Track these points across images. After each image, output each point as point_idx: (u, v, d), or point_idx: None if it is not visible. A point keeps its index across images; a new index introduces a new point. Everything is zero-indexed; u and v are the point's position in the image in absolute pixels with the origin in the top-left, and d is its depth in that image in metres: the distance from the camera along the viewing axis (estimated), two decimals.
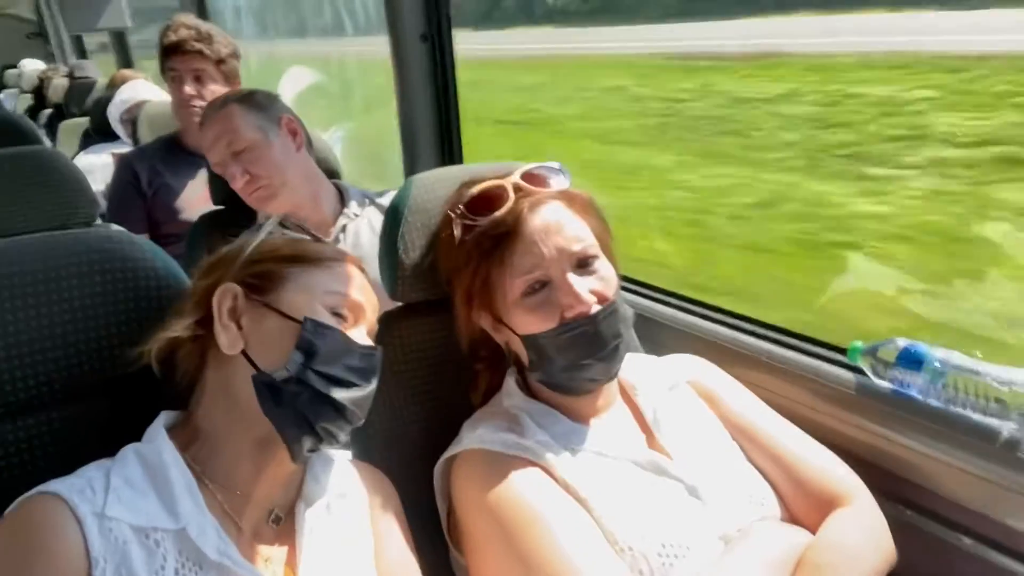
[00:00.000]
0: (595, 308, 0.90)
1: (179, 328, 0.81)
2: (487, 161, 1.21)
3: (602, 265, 0.94)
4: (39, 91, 4.95)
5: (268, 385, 0.77)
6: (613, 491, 0.89)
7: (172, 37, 2.01)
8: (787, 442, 1.00)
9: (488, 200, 0.95)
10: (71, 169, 1.64)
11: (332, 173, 1.76)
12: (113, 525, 0.70)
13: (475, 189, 0.96)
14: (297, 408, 0.77)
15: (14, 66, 6.49)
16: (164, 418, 0.81)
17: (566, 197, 0.96)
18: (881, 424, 1.08)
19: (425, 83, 1.86)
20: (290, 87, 3.57)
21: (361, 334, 0.84)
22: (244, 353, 0.79)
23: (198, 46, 2.02)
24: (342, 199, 1.62)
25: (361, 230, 1.57)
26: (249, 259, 0.83)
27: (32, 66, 5.89)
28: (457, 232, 0.96)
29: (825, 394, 1.15)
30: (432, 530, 0.97)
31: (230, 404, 0.80)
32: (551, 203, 0.94)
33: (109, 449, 0.78)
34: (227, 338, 0.79)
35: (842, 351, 1.17)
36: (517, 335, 0.94)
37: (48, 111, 4.48)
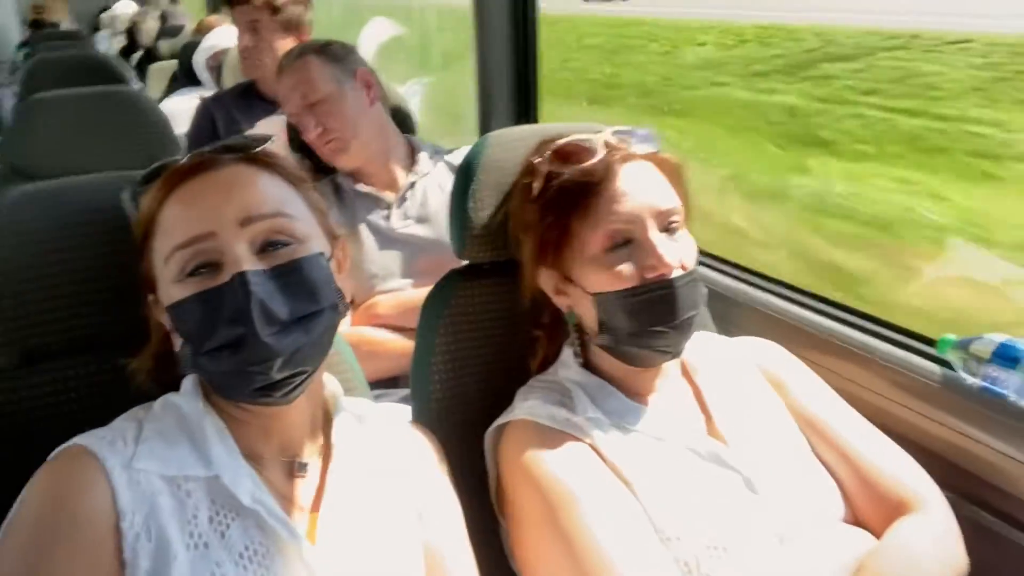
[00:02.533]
0: (676, 273, 0.87)
1: (156, 346, 0.79)
2: None
3: (684, 234, 0.91)
4: (131, 33, 5.10)
5: (200, 373, 0.74)
6: (664, 476, 0.86)
7: None
8: (858, 438, 0.94)
9: (576, 152, 0.91)
10: (156, 111, 1.69)
11: (407, 128, 1.76)
12: (142, 477, 0.69)
13: (563, 140, 0.94)
14: (227, 386, 0.73)
15: (109, 8, 6.71)
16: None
17: (657, 160, 0.93)
18: (967, 422, 1.02)
19: (505, 37, 1.81)
20: (371, 39, 3.57)
21: (229, 260, 0.70)
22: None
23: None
24: (413, 156, 1.61)
25: (429, 188, 1.56)
26: (141, 263, 0.77)
27: (124, 9, 6.07)
28: (538, 183, 0.93)
29: (908, 386, 1.09)
30: (485, 496, 0.96)
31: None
32: (642, 162, 0.91)
33: (160, 394, 0.79)
34: (177, 343, 0.75)
35: (930, 342, 1.11)
36: (588, 293, 0.90)
37: (139, 53, 4.61)
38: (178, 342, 0.74)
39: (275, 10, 2.04)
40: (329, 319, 0.75)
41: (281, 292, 0.70)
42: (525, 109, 1.87)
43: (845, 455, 0.93)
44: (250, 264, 0.70)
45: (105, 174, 0.87)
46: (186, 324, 0.71)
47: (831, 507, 0.89)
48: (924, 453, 0.97)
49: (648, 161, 0.92)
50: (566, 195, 0.90)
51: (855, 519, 0.90)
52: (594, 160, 0.89)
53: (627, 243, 0.88)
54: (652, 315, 0.87)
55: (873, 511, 0.89)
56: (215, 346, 0.69)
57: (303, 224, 0.75)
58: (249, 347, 0.68)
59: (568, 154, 0.92)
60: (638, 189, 0.88)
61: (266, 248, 0.72)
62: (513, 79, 1.85)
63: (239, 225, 0.71)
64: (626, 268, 0.87)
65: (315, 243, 0.76)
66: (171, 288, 0.72)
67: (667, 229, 0.89)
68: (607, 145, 0.91)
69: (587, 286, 0.90)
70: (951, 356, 1.04)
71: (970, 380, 1.02)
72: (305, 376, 0.74)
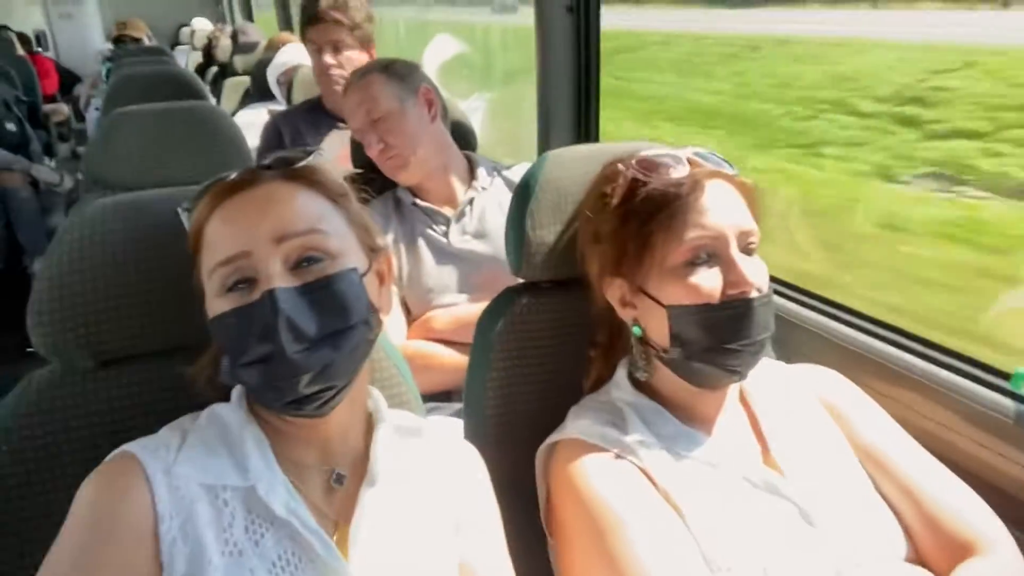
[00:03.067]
0: (755, 293, 0.86)
1: (215, 352, 0.80)
2: None
3: (758, 258, 0.90)
4: (208, 49, 5.31)
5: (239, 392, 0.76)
6: (716, 504, 0.84)
7: (310, 9, 2.08)
8: (923, 474, 0.91)
9: (661, 164, 0.91)
10: (232, 126, 1.75)
11: (467, 143, 1.78)
12: (181, 483, 0.71)
13: (648, 152, 0.94)
14: (262, 399, 0.76)
15: (188, 24, 7.01)
16: None
17: (737, 183, 0.93)
18: None
19: (567, 56, 1.82)
20: (435, 55, 3.63)
21: (263, 278, 0.72)
22: None
23: (335, 15, 2.07)
24: (472, 172, 1.63)
25: (487, 205, 1.58)
26: (194, 276, 0.79)
27: (201, 25, 6.34)
28: (620, 191, 0.93)
29: (979, 421, 1.04)
30: (534, 513, 0.96)
31: None
32: (724, 182, 0.91)
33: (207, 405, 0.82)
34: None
35: (1004, 375, 1.06)
36: (663, 305, 0.89)
37: (214, 69, 4.80)
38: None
39: (354, 27, 2.11)
40: (360, 335, 0.76)
41: (311, 309, 0.72)
42: (585, 128, 1.88)
43: (908, 491, 0.90)
44: (282, 281, 0.72)
45: (181, 188, 0.91)
46: (224, 337, 0.74)
47: (892, 545, 0.86)
48: (993, 491, 0.92)
49: (729, 182, 0.92)
50: (651, 204, 0.89)
51: (918, 559, 0.87)
52: (681, 174, 0.90)
53: (709, 258, 0.87)
54: (728, 332, 0.86)
55: (937, 551, 0.86)
56: (248, 360, 0.72)
57: (338, 240, 0.77)
58: (277, 363, 0.71)
59: (655, 165, 0.92)
60: (723, 206, 0.88)
61: (300, 264, 0.74)
62: (574, 98, 1.86)
63: (274, 243, 0.73)
64: (706, 283, 0.86)
65: (349, 259, 0.77)
66: (213, 302, 0.74)
67: (746, 250, 0.88)
68: (690, 162, 0.91)
69: (663, 298, 0.89)
70: None
71: None
72: (335, 391, 0.75)
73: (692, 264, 0.87)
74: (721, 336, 0.86)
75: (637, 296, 0.92)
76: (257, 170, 0.79)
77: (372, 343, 0.79)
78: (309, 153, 0.81)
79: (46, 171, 3.91)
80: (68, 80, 7.28)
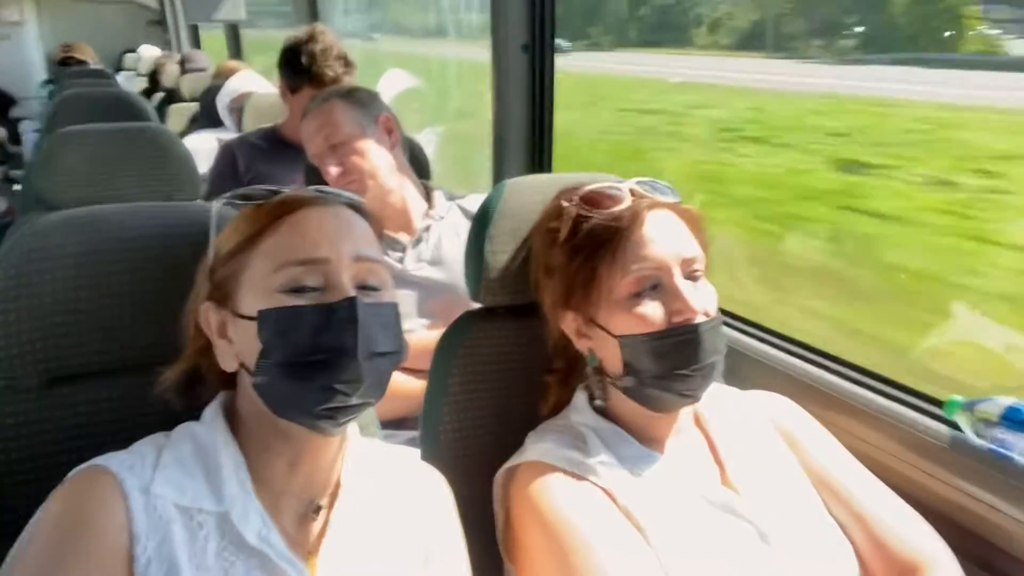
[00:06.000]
0: (701, 318, 0.88)
1: (190, 357, 0.81)
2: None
3: (705, 283, 0.93)
4: (153, 76, 5.23)
5: (259, 388, 0.75)
6: (677, 524, 0.85)
7: (326, 73, 2.06)
8: (870, 498, 0.95)
9: (604, 198, 0.94)
10: (181, 148, 1.73)
11: (422, 174, 1.79)
12: (158, 503, 0.70)
13: (591, 186, 0.96)
14: (294, 403, 0.74)
15: (133, 51, 6.89)
16: (223, 397, 0.81)
17: (680, 210, 0.95)
18: (976, 485, 1.02)
19: (523, 92, 1.87)
20: (388, 88, 3.66)
21: (339, 285, 0.74)
22: (242, 364, 0.77)
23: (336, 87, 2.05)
24: (429, 200, 1.65)
25: (444, 233, 1.59)
26: (210, 269, 0.79)
27: (149, 52, 6.24)
28: (565, 227, 0.95)
29: (916, 446, 1.09)
30: (490, 539, 0.95)
31: (249, 402, 0.78)
32: (667, 211, 0.94)
33: (180, 421, 0.80)
34: (223, 356, 0.78)
35: (938, 403, 1.11)
36: (613, 336, 0.91)
37: (160, 94, 4.72)
38: (228, 355, 0.76)
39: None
40: (395, 363, 0.79)
41: (378, 325, 0.75)
42: (539, 159, 1.92)
43: (858, 514, 0.93)
44: (355, 294, 0.74)
45: (136, 204, 0.89)
46: (279, 332, 0.72)
47: (843, 565, 0.89)
48: (932, 514, 0.96)
49: (671, 211, 0.94)
50: (595, 238, 0.92)
51: None
52: (623, 206, 0.92)
53: (654, 288, 0.89)
54: (677, 358, 0.88)
55: (886, 570, 0.89)
56: (308, 360, 0.71)
57: (387, 274, 0.81)
58: (344, 366, 0.72)
59: (596, 199, 0.94)
60: (664, 236, 0.90)
61: (362, 287, 0.76)
62: (528, 130, 1.90)
63: (352, 260, 0.76)
64: (653, 312, 0.88)
65: (392, 293, 0.81)
66: (267, 297, 0.73)
67: (690, 276, 0.91)
68: (633, 193, 0.94)
69: (612, 329, 0.91)
70: (959, 418, 1.04)
71: (978, 442, 1.02)
72: (365, 409, 0.77)
73: (638, 295, 0.89)
74: (671, 362, 0.88)
75: (590, 327, 0.94)
76: (330, 195, 0.82)
77: None
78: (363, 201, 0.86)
79: None
80: (4, 102, 7.04)
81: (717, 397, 1.02)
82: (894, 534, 0.91)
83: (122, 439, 0.77)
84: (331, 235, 0.76)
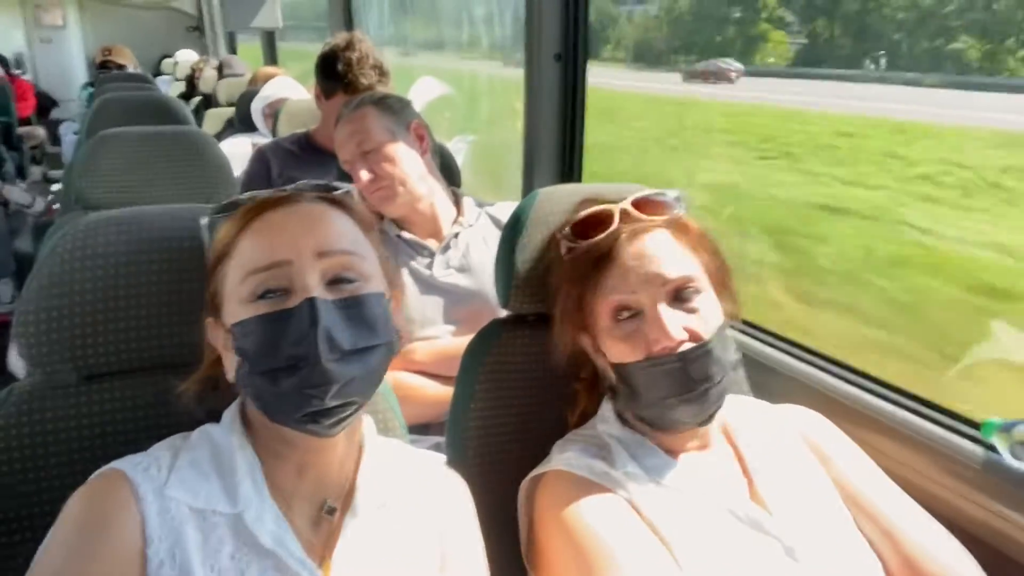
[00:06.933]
0: (685, 346, 0.86)
1: (206, 367, 0.82)
2: None
3: (704, 301, 0.89)
4: (191, 80, 5.34)
5: (249, 398, 0.76)
6: (702, 538, 0.84)
7: (361, 81, 2.07)
8: (900, 515, 0.92)
9: (594, 223, 0.94)
10: (218, 152, 1.76)
11: (452, 181, 1.80)
12: (172, 505, 0.71)
13: (584, 212, 0.96)
14: (277, 410, 0.74)
15: (171, 56, 7.05)
16: (241, 401, 0.81)
17: (675, 227, 0.93)
18: (1010, 507, 1.00)
19: (554, 102, 1.88)
20: (420, 96, 3.69)
21: (302, 287, 0.73)
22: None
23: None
24: (458, 207, 1.66)
25: (472, 240, 1.60)
26: (209, 286, 0.80)
27: (186, 57, 6.38)
28: (563, 251, 0.97)
29: (949, 468, 1.07)
30: (514, 547, 0.95)
31: (254, 409, 0.78)
32: (656, 232, 0.92)
33: (211, 419, 0.81)
34: (228, 367, 0.78)
35: (975, 424, 1.09)
36: (610, 362, 0.92)
37: (197, 99, 4.82)
38: (231, 366, 0.76)
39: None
40: (384, 355, 0.77)
41: (345, 323, 0.73)
42: (570, 168, 1.92)
43: (889, 532, 0.91)
44: (319, 293, 0.73)
45: (177, 205, 0.91)
46: (249, 342, 0.73)
47: None
48: (965, 536, 0.94)
49: (665, 230, 0.92)
50: (579, 268, 0.93)
51: None
52: (602, 235, 0.91)
53: (634, 315, 0.89)
54: (663, 388, 0.87)
55: None
56: (276, 367, 0.71)
57: (368, 264, 0.79)
58: (309, 370, 0.70)
59: (583, 227, 0.95)
60: (645, 261, 0.89)
61: (335, 282, 0.75)
62: (559, 139, 1.91)
63: (315, 257, 0.74)
64: (635, 340, 0.88)
65: (377, 282, 0.79)
66: (240, 308, 0.74)
67: (681, 298, 0.88)
68: (623, 214, 0.92)
69: (607, 354, 0.92)
70: (996, 440, 1.02)
71: (1015, 464, 1.00)
72: (355, 408, 0.76)
73: (620, 322, 0.89)
74: (661, 391, 0.87)
75: (597, 349, 0.95)
76: (298, 192, 0.81)
77: (388, 366, 0.80)
78: (341, 187, 0.84)
79: (18, 192, 3.86)
80: (45, 104, 7.23)
81: (747, 410, 1.01)
82: (923, 552, 0.89)
83: (155, 436, 0.79)
84: (293, 235, 0.75)
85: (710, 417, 0.90)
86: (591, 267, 0.91)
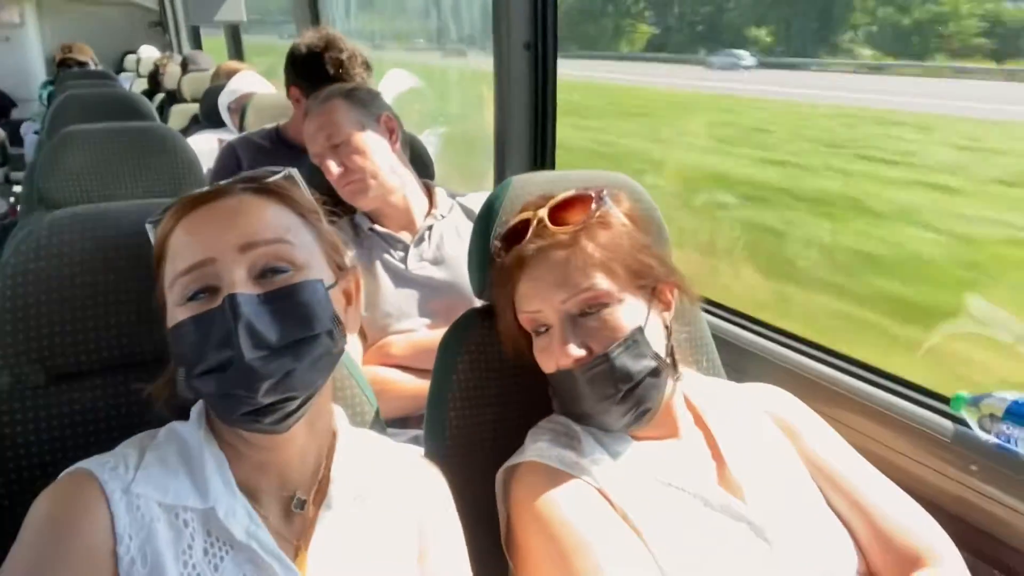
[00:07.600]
0: (583, 362, 0.87)
1: (171, 369, 0.79)
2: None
3: (610, 313, 0.88)
4: (154, 76, 5.24)
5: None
6: (673, 523, 0.85)
7: (354, 80, 2.03)
8: (872, 490, 0.94)
9: (513, 233, 0.96)
10: (185, 147, 1.73)
11: (424, 173, 1.79)
12: (140, 502, 0.70)
13: (512, 220, 0.97)
14: (218, 411, 0.74)
15: (133, 52, 6.91)
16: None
17: (589, 233, 0.90)
18: (980, 479, 1.02)
19: (525, 91, 1.88)
20: (390, 89, 3.66)
21: (225, 285, 0.71)
22: None
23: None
24: (431, 199, 1.65)
25: (446, 232, 1.59)
26: (156, 290, 0.78)
27: (149, 53, 6.26)
28: (496, 261, 0.98)
29: (920, 442, 1.09)
30: (495, 537, 0.95)
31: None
32: (558, 251, 0.90)
33: (183, 417, 0.79)
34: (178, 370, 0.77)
35: (943, 399, 1.11)
36: None
37: (161, 95, 4.73)
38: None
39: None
40: (323, 346, 0.74)
41: (272, 316, 0.70)
42: (542, 156, 1.92)
43: (859, 506, 0.92)
44: (245, 288, 0.70)
45: (141, 201, 0.89)
46: (181, 346, 0.72)
47: (845, 559, 0.89)
48: (937, 509, 0.96)
49: (570, 246, 0.89)
50: (502, 276, 0.96)
51: (868, 572, 0.90)
52: (516, 247, 0.93)
53: (545, 329, 0.91)
54: (579, 397, 0.90)
55: (887, 564, 0.89)
56: (205, 369, 0.70)
57: (304, 252, 0.76)
58: (234, 369, 0.69)
59: (507, 237, 0.97)
60: (545, 283, 0.89)
61: (266, 274, 0.72)
62: (530, 128, 1.91)
63: (239, 251, 0.72)
64: (547, 353, 0.91)
65: (315, 271, 0.76)
66: (174, 312, 0.73)
67: (584, 313, 0.88)
68: (537, 225, 0.92)
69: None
70: (966, 413, 1.05)
71: (984, 437, 1.02)
72: (296, 402, 0.73)
73: (538, 334, 0.92)
74: (578, 400, 0.90)
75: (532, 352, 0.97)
76: (226, 185, 0.78)
77: (336, 357, 0.78)
78: (278, 172, 0.81)
79: None
80: (5, 104, 7.05)
81: (716, 391, 1.02)
82: (894, 524, 0.90)
83: (127, 436, 0.78)
84: (214, 231, 0.73)
85: (642, 415, 0.90)
86: (509, 278, 0.93)
